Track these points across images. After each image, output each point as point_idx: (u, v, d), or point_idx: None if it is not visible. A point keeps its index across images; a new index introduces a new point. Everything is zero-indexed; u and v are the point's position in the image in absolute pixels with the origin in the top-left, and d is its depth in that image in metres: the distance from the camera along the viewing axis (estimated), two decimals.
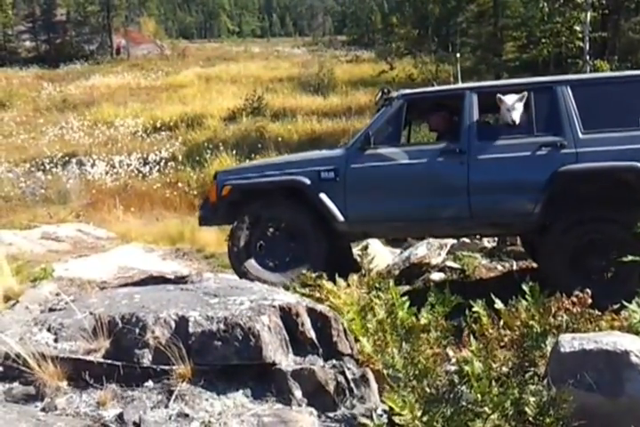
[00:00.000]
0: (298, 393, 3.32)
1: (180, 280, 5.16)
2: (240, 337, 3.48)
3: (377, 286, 4.32)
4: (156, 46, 56.99)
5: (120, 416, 3.27)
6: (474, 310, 3.89)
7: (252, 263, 5.41)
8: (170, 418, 3.24)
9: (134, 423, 3.21)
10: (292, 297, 3.93)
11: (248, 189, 5.47)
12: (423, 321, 3.62)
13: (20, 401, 3.56)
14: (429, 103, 5.82)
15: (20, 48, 62.75)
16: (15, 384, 3.70)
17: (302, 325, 3.60)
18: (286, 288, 4.50)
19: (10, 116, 26.79)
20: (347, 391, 3.31)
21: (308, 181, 5.25)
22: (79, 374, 3.62)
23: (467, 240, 7.03)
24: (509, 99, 5.04)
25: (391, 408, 2.82)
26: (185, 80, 33.68)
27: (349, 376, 3.35)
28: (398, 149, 5.21)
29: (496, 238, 7.10)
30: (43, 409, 3.46)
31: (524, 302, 3.66)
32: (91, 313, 4.01)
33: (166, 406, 3.32)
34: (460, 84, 6.01)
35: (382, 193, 5.20)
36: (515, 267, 6.42)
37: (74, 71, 42.17)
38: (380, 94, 5.59)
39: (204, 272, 6.59)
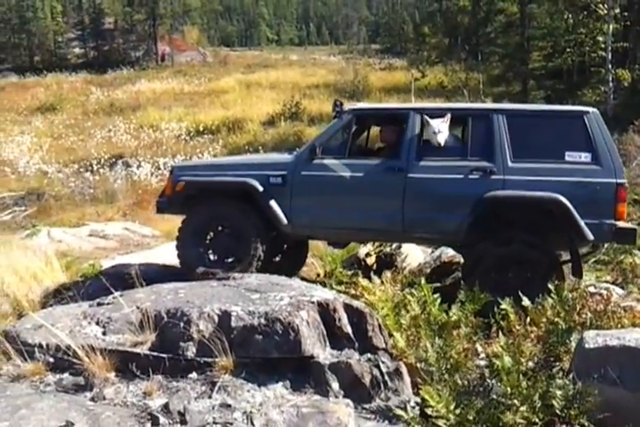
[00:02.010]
0: (335, 385, 3.43)
1: (223, 277, 5.29)
2: (280, 331, 3.61)
3: (410, 283, 4.42)
4: (198, 53, 58.00)
5: (166, 406, 3.41)
6: (502, 307, 3.96)
7: (193, 256, 5.55)
8: (213, 408, 3.37)
9: (179, 413, 3.34)
10: (329, 293, 4.04)
11: (200, 187, 5.65)
12: (454, 317, 3.70)
13: (70, 391, 3.74)
14: (376, 119, 6.04)
15: (69, 54, 64.58)
16: (65, 375, 3.89)
17: (339, 320, 3.71)
18: (323, 285, 4.61)
19: (60, 119, 27.50)
20: (381, 384, 3.40)
21: (257, 185, 5.41)
22: (126, 365, 3.78)
23: None
24: (435, 122, 5.17)
25: (424, 400, 2.91)
26: (226, 86, 34.18)
27: (384, 370, 3.44)
28: (343, 161, 5.35)
29: None
30: (92, 399, 3.63)
31: (550, 300, 3.71)
32: (137, 307, 4.18)
33: (209, 397, 3.46)
34: (405, 104, 6.29)
35: (324, 201, 5.36)
36: None
37: (121, 77, 43.07)
38: (334, 106, 5.66)
39: None
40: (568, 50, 21.36)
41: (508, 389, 2.81)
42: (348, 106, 5.64)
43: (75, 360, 3.78)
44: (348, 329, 3.68)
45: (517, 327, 3.61)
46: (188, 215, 5.68)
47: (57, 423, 3.29)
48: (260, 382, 3.55)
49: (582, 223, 4.86)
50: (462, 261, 5.52)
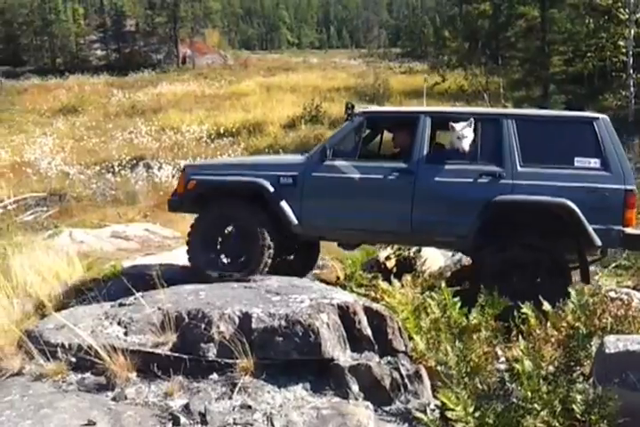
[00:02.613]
0: (355, 388, 3.44)
1: (242, 279, 5.33)
2: (300, 333, 3.63)
3: (430, 286, 4.42)
4: (219, 56, 58.44)
5: (186, 406, 3.45)
6: (522, 311, 3.94)
7: (206, 257, 5.55)
8: (233, 409, 3.40)
9: (200, 413, 3.37)
10: (349, 296, 4.05)
11: (211, 186, 5.70)
12: (474, 321, 3.69)
13: (92, 391, 3.78)
14: (387, 122, 6.06)
15: (91, 56, 65.39)
16: (87, 375, 3.94)
17: (359, 323, 3.72)
18: (343, 288, 4.63)
19: (81, 120, 27.85)
20: (401, 387, 3.40)
21: (268, 185, 5.45)
22: (147, 365, 3.82)
23: None
24: (459, 126, 5.16)
25: (444, 404, 2.91)
26: (247, 89, 34.39)
27: (404, 372, 3.44)
28: (354, 163, 5.39)
29: None
30: (113, 398, 3.67)
31: (571, 305, 3.69)
32: (159, 308, 4.22)
33: (230, 398, 3.49)
34: (416, 108, 6.17)
35: (334, 203, 5.40)
36: None
37: (142, 79, 43.49)
38: (345, 108, 5.72)
39: None
40: (589, 54, 21.37)
41: (529, 393, 2.80)
42: (359, 109, 5.68)
43: (97, 360, 3.82)
44: (368, 332, 3.69)
45: (538, 332, 3.59)
46: (199, 215, 5.74)
47: (79, 422, 3.34)
48: (280, 383, 3.57)
49: (590, 229, 4.85)
50: (471, 266, 5.46)
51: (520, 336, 3.63)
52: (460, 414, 2.79)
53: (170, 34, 59.54)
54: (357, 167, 5.35)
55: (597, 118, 5.15)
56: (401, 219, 5.21)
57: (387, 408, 3.38)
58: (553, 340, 3.48)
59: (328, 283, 5.50)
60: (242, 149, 20.68)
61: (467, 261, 6.07)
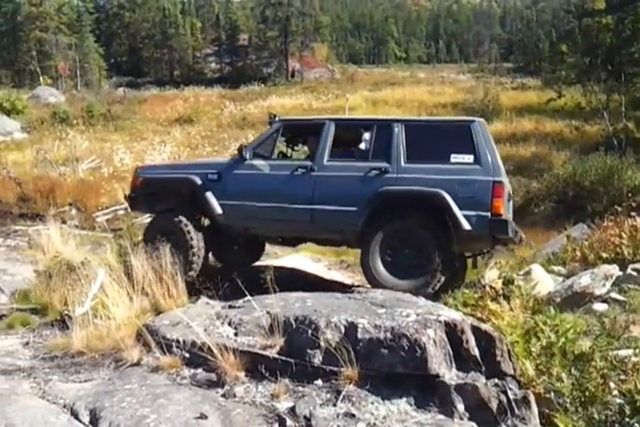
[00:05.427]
0: (460, 407, 3.40)
1: (347, 289, 5.48)
2: (406, 347, 3.64)
3: (538, 311, 4.30)
4: (327, 70, 59.57)
5: (292, 409, 3.54)
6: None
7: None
8: (337, 416, 3.45)
9: (305, 418, 3.45)
10: (456, 314, 4.02)
11: (154, 182, 6.71)
12: (588, 350, 3.55)
13: (204, 386, 3.97)
14: (300, 128, 7.01)
15: (206, 69, 68.68)
16: (199, 370, 4.15)
17: (466, 342, 3.68)
18: (446, 304, 4.61)
19: (196, 130, 29.13)
20: (508, 411, 3.33)
21: (198, 180, 6.40)
22: (256, 366, 3.97)
23: (633, 273, 6.68)
24: (366, 134, 6.19)
25: None
26: (353, 103, 34.63)
27: (511, 396, 3.37)
28: (269, 162, 6.36)
29: None
30: (223, 395, 3.83)
31: None
32: (268, 312, 4.39)
33: (334, 405, 3.55)
34: (322, 116, 7.47)
35: (251, 195, 6.25)
36: None
37: (252, 92, 45.04)
38: (268, 117, 6.82)
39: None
40: None
41: None
42: (278, 118, 6.69)
43: (209, 357, 4.00)
44: (476, 352, 3.64)
45: None
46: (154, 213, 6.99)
47: (192, 415, 3.51)
48: (383, 395, 3.59)
49: (459, 214, 5.50)
50: (362, 251, 5.93)
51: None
52: None
53: (280, 48, 61.42)
54: (271, 165, 6.32)
55: (474, 121, 5.92)
56: (303, 209, 6.01)
57: None
58: None
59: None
60: None
61: (579, 287, 5.84)
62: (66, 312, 5.28)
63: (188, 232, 6.32)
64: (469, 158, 5.69)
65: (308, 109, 33.72)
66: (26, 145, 23.28)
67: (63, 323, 5.21)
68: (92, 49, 62.05)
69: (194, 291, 5.73)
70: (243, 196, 6.26)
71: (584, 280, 6.08)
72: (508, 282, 5.01)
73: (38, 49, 57.79)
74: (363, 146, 6.14)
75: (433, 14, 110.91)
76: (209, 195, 6.32)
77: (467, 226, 5.49)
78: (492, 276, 6.06)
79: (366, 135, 6.18)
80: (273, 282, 4.46)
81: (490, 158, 5.66)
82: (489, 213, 5.50)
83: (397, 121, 6.18)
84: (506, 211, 5.74)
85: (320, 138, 6.23)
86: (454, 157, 5.74)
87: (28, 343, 5.12)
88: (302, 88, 46.31)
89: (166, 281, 5.53)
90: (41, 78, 53.36)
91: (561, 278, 6.80)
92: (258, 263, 7.51)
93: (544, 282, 6.29)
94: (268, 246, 7.99)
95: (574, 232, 9.95)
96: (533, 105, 28.14)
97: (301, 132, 7.09)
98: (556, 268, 7.64)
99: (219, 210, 6.30)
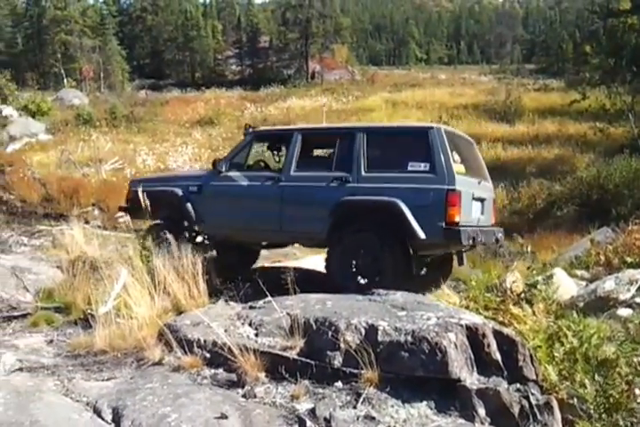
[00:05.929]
0: (481, 411, 3.37)
1: (367, 291, 5.47)
2: (427, 350, 3.62)
3: (561, 315, 4.25)
4: (347, 72, 59.54)
5: (312, 411, 3.53)
6: None
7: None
8: (357, 419, 3.43)
9: (325, 419, 3.44)
10: (478, 318, 3.99)
11: (144, 195, 6.79)
12: (612, 356, 3.51)
13: (224, 386, 3.98)
14: (271, 138, 7.27)
15: (227, 71, 69.13)
16: (220, 370, 4.17)
17: (488, 346, 3.65)
18: (467, 308, 4.58)
19: (217, 132, 29.35)
20: (530, 416, 3.29)
21: (179, 192, 6.78)
22: (276, 367, 3.97)
23: None
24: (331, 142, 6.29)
25: None
26: (373, 104, 34.73)
27: (533, 402, 3.33)
28: (243, 173, 6.59)
29: None
30: (243, 395, 3.83)
31: None
32: (288, 314, 4.40)
33: (354, 407, 3.53)
34: (291, 126, 7.81)
35: (227, 205, 6.54)
36: None
37: (273, 94, 45.24)
38: (244, 129, 6.99)
39: None
40: None
41: None
42: (252, 129, 6.89)
43: (229, 357, 4.01)
44: (498, 356, 3.61)
45: None
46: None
47: (212, 414, 3.52)
48: (404, 398, 3.58)
49: (414, 223, 5.57)
50: (327, 257, 6.15)
51: None
52: None
53: (300, 50, 61.61)
54: (246, 176, 6.54)
55: (432, 128, 5.88)
56: (273, 217, 6.23)
57: None
58: None
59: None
60: None
61: (602, 292, 5.77)
62: (89, 311, 5.34)
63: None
64: (425, 166, 5.70)
65: (328, 111, 33.71)
66: (50, 146, 23.62)
67: (86, 322, 5.27)
68: (116, 52, 62.85)
69: (215, 291, 5.78)
70: (219, 207, 6.57)
71: (608, 285, 6.02)
72: (530, 286, 4.95)
73: (63, 52, 58.74)
74: (327, 155, 6.35)
75: (454, 15, 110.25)
76: (189, 206, 6.70)
77: (421, 235, 5.56)
78: (512, 279, 6.01)
79: (332, 144, 6.31)
80: (293, 283, 4.47)
81: (445, 166, 5.62)
82: (443, 223, 5.53)
83: (360, 129, 6.25)
84: (467, 216, 5.80)
85: (288, 148, 6.44)
86: (411, 166, 5.77)
87: (52, 341, 5.19)
88: (322, 90, 46.31)
89: (187, 281, 5.56)
90: (65, 81, 54.17)
91: (584, 283, 6.74)
92: (278, 264, 7.54)
93: (566, 286, 6.23)
94: (287, 248, 8.02)
95: (598, 236, 9.83)
96: (556, 107, 27.90)
97: (273, 142, 7.35)
98: (579, 272, 7.57)
99: (199, 221, 6.67)
